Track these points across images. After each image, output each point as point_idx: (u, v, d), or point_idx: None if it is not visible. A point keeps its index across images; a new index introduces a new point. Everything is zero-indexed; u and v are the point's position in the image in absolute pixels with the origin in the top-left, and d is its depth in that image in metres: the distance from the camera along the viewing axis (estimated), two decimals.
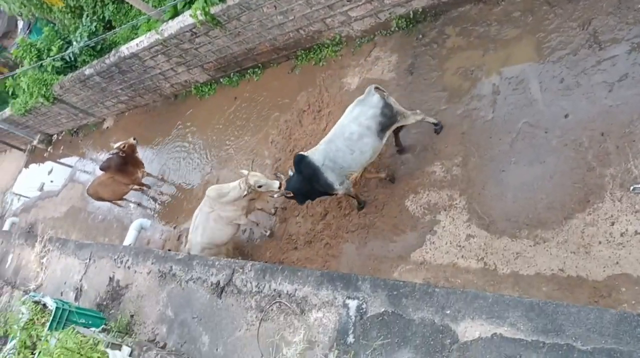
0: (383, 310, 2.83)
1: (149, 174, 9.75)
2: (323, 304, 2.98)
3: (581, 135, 4.98)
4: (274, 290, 3.13)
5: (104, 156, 12.47)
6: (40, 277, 5.55)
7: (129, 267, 4.57)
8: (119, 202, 10.01)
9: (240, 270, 3.43)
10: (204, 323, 3.64)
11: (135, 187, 9.51)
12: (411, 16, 6.87)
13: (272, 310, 3.15)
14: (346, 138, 5.39)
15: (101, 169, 8.88)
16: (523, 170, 5.25)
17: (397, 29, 7.12)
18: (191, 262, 3.94)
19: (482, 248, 5.21)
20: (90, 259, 4.98)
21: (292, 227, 7.16)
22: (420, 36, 6.86)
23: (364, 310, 2.88)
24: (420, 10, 6.76)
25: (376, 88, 5.47)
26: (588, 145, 4.90)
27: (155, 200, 9.90)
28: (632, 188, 4.48)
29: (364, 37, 7.56)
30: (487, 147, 5.64)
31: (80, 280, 4.99)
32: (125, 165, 8.84)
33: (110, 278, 4.56)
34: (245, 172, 6.26)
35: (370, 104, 5.41)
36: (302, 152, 5.56)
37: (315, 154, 5.49)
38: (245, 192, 6.17)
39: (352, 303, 2.88)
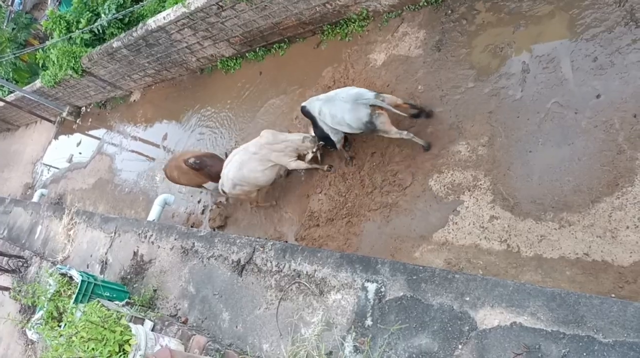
0: (402, 294, 2.83)
1: None
2: (342, 286, 2.99)
3: (612, 116, 4.82)
4: (294, 270, 3.15)
5: (130, 129, 12.65)
6: (67, 249, 5.70)
7: (152, 242, 4.65)
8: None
9: (261, 249, 3.46)
10: (225, 301, 3.71)
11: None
12: None
13: (291, 290, 3.18)
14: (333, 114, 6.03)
15: (189, 165, 7.84)
16: (550, 151, 5.14)
17: (425, 4, 6.94)
18: (213, 239, 3.99)
19: (505, 230, 5.15)
20: (115, 233, 5.08)
21: (314, 204, 7.18)
22: (449, 12, 6.69)
23: (383, 293, 2.88)
24: None
25: (371, 106, 5.73)
26: (619, 127, 4.75)
27: None
28: None
29: (392, 12, 7.40)
30: (514, 127, 5.52)
31: (106, 253, 5.11)
32: (210, 169, 7.92)
33: (134, 252, 4.66)
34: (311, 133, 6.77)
35: (359, 112, 5.79)
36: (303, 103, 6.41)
37: (313, 103, 6.31)
38: (309, 146, 6.72)
39: (371, 287, 2.89)
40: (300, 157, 7.07)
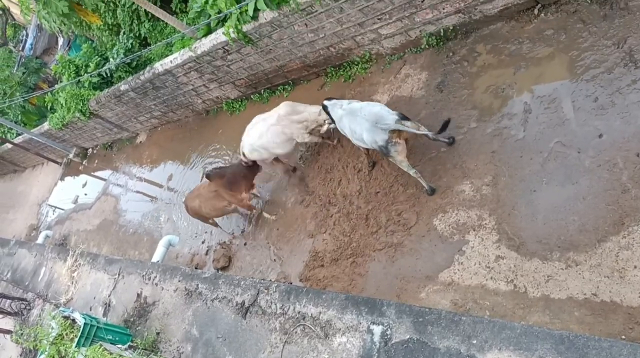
0: (408, 337, 2.79)
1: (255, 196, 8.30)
2: (347, 329, 2.95)
3: (615, 155, 4.84)
4: (298, 312, 3.12)
5: (136, 170, 12.76)
6: (70, 291, 5.68)
7: (156, 284, 4.63)
8: (214, 221, 8.59)
9: (265, 291, 3.43)
10: (228, 344, 3.66)
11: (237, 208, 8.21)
12: (442, 34, 6.85)
13: (296, 332, 3.14)
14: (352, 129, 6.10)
15: (207, 176, 7.75)
16: (555, 190, 5.14)
17: (427, 46, 7.09)
18: (217, 281, 3.96)
19: (511, 270, 5.10)
20: (119, 275, 5.07)
21: (318, 244, 7.15)
22: (451, 54, 6.82)
23: (389, 336, 2.84)
24: (451, 28, 6.72)
25: (391, 131, 5.67)
26: (623, 166, 4.76)
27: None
28: None
29: (394, 55, 7.56)
30: (517, 167, 5.54)
31: (109, 296, 5.08)
32: (239, 178, 7.74)
33: (138, 294, 4.63)
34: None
35: (377, 135, 5.75)
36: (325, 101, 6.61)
37: (336, 108, 6.41)
38: (322, 120, 7.04)
39: (377, 329, 2.85)
40: (314, 132, 7.39)
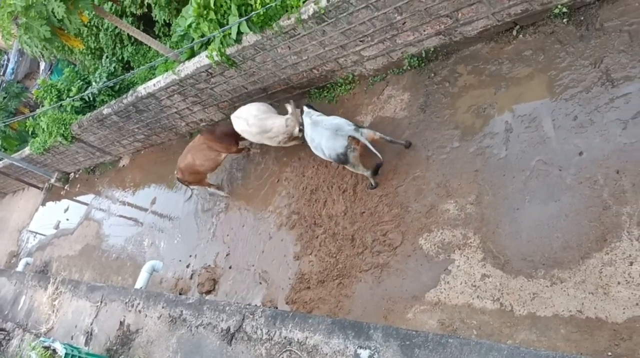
0: None
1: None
2: (334, 353, 2.91)
3: (596, 173, 4.91)
4: (285, 337, 3.07)
5: (119, 194, 12.63)
6: (51, 319, 5.54)
7: (139, 311, 4.54)
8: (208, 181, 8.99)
9: (251, 316, 3.39)
10: None
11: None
12: (423, 55, 6.94)
13: None
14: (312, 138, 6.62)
15: (200, 132, 8.44)
16: (537, 208, 5.19)
17: (409, 67, 7.18)
18: (202, 307, 3.90)
19: (497, 288, 5.11)
20: (101, 302, 4.97)
21: (304, 266, 7.11)
22: (432, 75, 6.91)
23: None
24: (432, 49, 6.83)
25: (350, 137, 6.17)
26: (603, 183, 4.83)
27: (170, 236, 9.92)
28: None
29: (377, 76, 7.64)
30: (500, 185, 5.59)
31: (91, 324, 4.97)
32: (228, 137, 8.41)
33: (120, 322, 4.54)
34: (290, 108, 7.45)
35: (337, 142, 6.23)
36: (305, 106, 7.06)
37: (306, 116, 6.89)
38: (293, 125, 7.48)
39: (364, 353, 2.81)
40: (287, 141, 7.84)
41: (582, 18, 5.62)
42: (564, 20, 5.73)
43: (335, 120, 6.47)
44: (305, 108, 7.14)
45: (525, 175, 5.41)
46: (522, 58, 6.04)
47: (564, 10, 5.66)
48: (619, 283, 4.39)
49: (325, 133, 6.37)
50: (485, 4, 5.90)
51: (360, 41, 7.02)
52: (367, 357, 2.79)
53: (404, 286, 5.89)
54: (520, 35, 6.14)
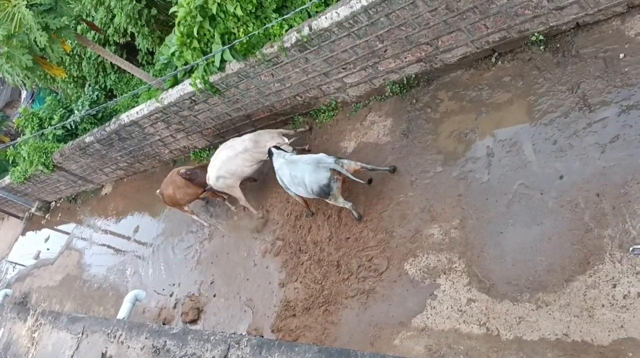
0: None
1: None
2: None
3: (577, 196, 4.99)
4: None
5: (101, 222, 12.45)
6: (30, 352, 5.39)
7: (122, 342, 4.44)
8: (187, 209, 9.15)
9: (236, 345, 3.34)
10: None
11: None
12: (404, 82, 7.05)
13: None
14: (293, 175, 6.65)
15: (181, 174, 8.48)
16: (521, 231, 5.24)
17: (391, 94, 7.29)
18: (186, 337, 3.83)
19: (483, 312, 5.11)
20: (82, 333, 4.85)
21: (290, 293, 7.04)
22: (414, 101, 7.02)
23: None
24: (413, 76, 6.94)
25: (331, 169, 6.28)
26: (584, 206, 4.90)
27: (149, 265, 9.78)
28: (631, 249, 4.44)
29: (359, 102, 7.73)
30: (484, 209, 5.64)
31: (72, 356, 4.84)
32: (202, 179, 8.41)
33: (102, 354, 4.42)
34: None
35: (320, 174, 6.31)
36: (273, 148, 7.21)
37: (279, 157, 7.02)
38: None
39: None
40: None
41: (558, 45, 5.78)
42: (541, 47, 5.89)
43: (315, 156, 6.59)
44: (273, 150, 7.23)
45: (508, 199, 5.47)
46: (501, 84, 6.17)
47: (541, 37, 5.82)
48: (603, 305, 4.42)
49: (307, 168, 6.43)
50: (465, 32, 6.04)
51: (343, 68, 7.12)
52: None
53: (390, 312, 5.86)
54: (499, 62, 6.28)
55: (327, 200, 6.61)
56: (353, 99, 7.76)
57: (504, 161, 5.72)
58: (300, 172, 6.53)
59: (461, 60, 6.51)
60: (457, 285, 5.42)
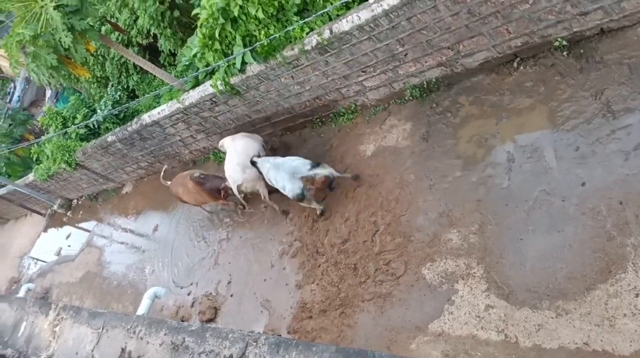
0: None
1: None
2: None
3: (599, 203, 4.93)
4: None
5: (121, 221, 12.62)
6: (52, 346, 5.48)
7: (141, 338, 4.49)
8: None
9: (254, 344, 3.36)
10: None
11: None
12: (425, 86, 7.04)
13: None
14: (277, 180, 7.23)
15: (193, 179, 8.71)
16: (541, 238, 5.18)
17: (411, 98, 7.27)
18: (204, 334, 3.87)
19: (502, 319, 5.07)
20: (103, 328, 4.92)
21: (306, 295, 7.06)
22: (434, 105, 6.99)
23: None
24: (434, 80, 6.93)
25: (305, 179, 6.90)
26: (607, 214, 4.84)
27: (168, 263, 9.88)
28: None
29: (379, 106, 7.73)
30: (503, 215, 5.60)
31: (92, 351, 4.91)
32: (215, 191, 8.69)
33: (122, 349, 4.49)
34: None
35: (294, 183, 6.95)
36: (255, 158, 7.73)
37: (264, 163, 7.51)
38: None
39: None
40: None
41: (582, 51, 5.72)
42: (564, 52, 5.84)
43: (294, 163, 7.08)
44: (255, 159, 7.73)
45: (528, 205, 5.43)
46: (523, 89, 6.12)
47: (564, 43, 5.77)
48: (625, 315, 4.35)
49: (285, 176, 7.04)
50: (486, 37, 6.01)
51: (363, 72, 7.14)
52: None
53: (407, 316, 5.84)
54: (521, 67, 6.24)
55: (302, 203, 7.29)
56: (373, 102, 7.77)
57: (525, 167, 5.67)
58: (280, 179, 7.14)
59: (482, 64, 6.48)
60: (475, 291, 5.39)
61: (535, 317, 4.82)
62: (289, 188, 7.04)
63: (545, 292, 4.87)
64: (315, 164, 7.03)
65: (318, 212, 7.49)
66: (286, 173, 7.04)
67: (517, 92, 6.15)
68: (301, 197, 7.02)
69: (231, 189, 8.21)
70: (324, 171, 6.98)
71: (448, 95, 6.89)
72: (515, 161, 5.79)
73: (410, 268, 6.10)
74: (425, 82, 7.01)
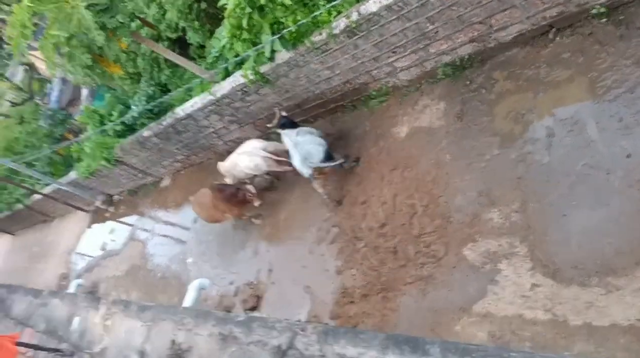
0: None
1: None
2: None
3: None
4: (338, 354, 3.06)
5: (161, 214, 12.90)
6: (104, 340, 5.69)
7: (189, 330, 4.61)
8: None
9: (302, 333, 3.40)
10: None
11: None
12: (457, 63, 6.90)
13: None
14: (294, 155, 7.46)
15: (211, 188, 9.14)
16: (586, 214, 5.05)
17: (443, 76, 7.14)
18: (251, 324, 3.93)
19: (549, 298, 4.98)
20: (152, 321, 5.07)
21: (347, 280, 7.09)
22: (468, 82, 6.85)
23: None
24: (466, 57, 6.78)
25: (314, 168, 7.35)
26: None
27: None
28: None
29: (411, 87, 7.62)
30: (545, 192, 5.47)
31: (143, 343, 5.07)
32: (234, 200, 9.01)
33: (172, 341, 4.61)
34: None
35: (304, 169, 7.36)
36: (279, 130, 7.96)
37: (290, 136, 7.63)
38: None
39: None
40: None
41: (621, 17, 5.50)
42: (603, 20, 5.62)
43: (309, 146, 7.28)
44: (280, 130, 7.92)
45: (571, 180, 5.29)
46: (560, 61, 5.93)
47: (602, 10, 5.54)
48: None
49: (298, 158, 7.32)
50: (519, 9, 5.84)
51: (393, 52, 7.03)
52: None
53: (450, 298, 5.81)
54: (557, 38, 6.03)
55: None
56: (404, 83, 7.66)
57: (566, 141, 5.51)
58: (294, 158, 7.44)
59: (516, 38, 6.29)
60: (520, 270, 5.30)
61: (584, 294, 4.72)
62: (299, 169, 7.40)
63: (593, 268, 4.76)
64: (328, 155, 7.31)
65: (327, 200, 7.86)
66: (300, 155, 7.28)
67: (554, 64, 5.96)
68: (310, 180, 7.46)
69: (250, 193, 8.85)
70: (333, 164, 7.36)
71: (482, 71, 6.73)
72: (555, 136, 5.63)
73: (451, 250, 6.05)
74: (457, 59, 6.87)
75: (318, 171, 7.42)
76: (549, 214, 5.32)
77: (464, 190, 6.24)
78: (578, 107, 5.56)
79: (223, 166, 9.20)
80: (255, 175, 9.10)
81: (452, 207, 6.26)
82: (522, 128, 6.00)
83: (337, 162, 7.46)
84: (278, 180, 9.44)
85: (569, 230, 5.10)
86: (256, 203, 9.10)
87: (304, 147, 7.32)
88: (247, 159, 8.57)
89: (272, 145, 8.47)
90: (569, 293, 4.80)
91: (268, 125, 8.45)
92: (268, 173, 9.16)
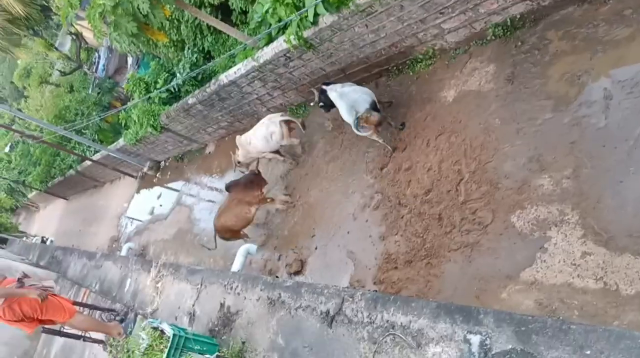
0: (510, 347, 2.64)
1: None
2: (441, 338, 2.85)
3: None
4: (387, 321, 3.07)
5: (207, 179, 13.14)
6: (156, 301, 5.90)
7: (238, 293, 4.72)
8: (244, 232, 9.56)
9: (350, 299, 3.42)
10: (316, 353, 3.65)
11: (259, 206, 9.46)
12: (508, 23, 6.61)
13: (385, 342, 3.09)
14: (341, 103, 7.42)
15: (227, 188, 9.35)
16: None
17: (493, 37, 6.87)
18: (299, 290, 3.99)
19: (600, 266, 4.83)
20: (201, 285, 5.21)
21: (390, 246, 7.08)
22: (519, 43, 6.57)
23: (488, 346, 2.71)
24: (518, 16, 6.49)
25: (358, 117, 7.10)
26: None
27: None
28: None
29: (459, 49, 7.38)
30: (600, 157, 5.25)
31: (193, 305, 5.23)
32: (252, 184, 9.17)
33: (221, 304, 4.74)
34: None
35: (350, 117, 7.20)
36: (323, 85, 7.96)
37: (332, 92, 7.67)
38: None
39: (475, 339, 2.73)
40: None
41: None
42: None
43: (356, 95, 7.20)
44: (324, 86, 7.87)
45: (629, 145, 5.04)
46: (621, 18, 5.58)
47: None
48: None
49: (344, 107, 7.23)
50: None
51: (440, 13, 6.79)
52: (479, 342, 2.72)
53: (497, 265, 5.72)
54: None
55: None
56: (452, 45, 7.42)
57: (625, 104, 5.24)
58: (341, 108, 7.38)
59: None
60: (570, 238, 5.15)
61: (638, 263, 4.56)
62: (346, 118, 7.34)
63: None
64: (375, 106, 7.17)
65: (389, 148, 7.75)
66: (346, 104, 7.24)
67: (614, 22, 5.63)
68: (357, 129, 7.22)
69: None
70: (378, 115, 7.21)
71: (534, 31, 6.43)
72: (613, 98, 5.36)
73: (498, 217, 5.93)
74: (508, 20, 6.58)
75: (365, 120, 7.17)
76: (604, 181, 5.12)
77: (513, 155, 6.06)
78: (639, 67, 5.26)
79: (239, 139, 9.38)
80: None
81: (500, 173, 6.11)
82: (577, 90, 5.73)
83: (383, 115, 7.42)
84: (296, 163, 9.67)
85: (625, 197, 4.89)
86: (295, 141, 9.24)
87: (350, 96, 7.27)
88: (263, 128, 8.78)
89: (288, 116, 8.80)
90: (622, 262, 4.65)
91: (311, 104, 8.56)
92: (281, 154, 9.50)
